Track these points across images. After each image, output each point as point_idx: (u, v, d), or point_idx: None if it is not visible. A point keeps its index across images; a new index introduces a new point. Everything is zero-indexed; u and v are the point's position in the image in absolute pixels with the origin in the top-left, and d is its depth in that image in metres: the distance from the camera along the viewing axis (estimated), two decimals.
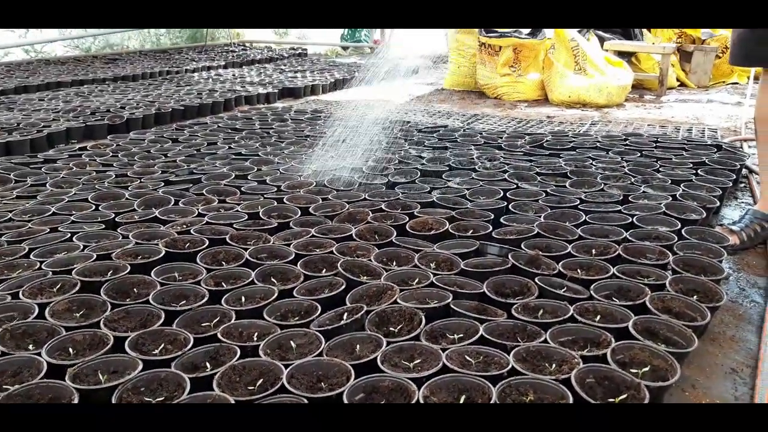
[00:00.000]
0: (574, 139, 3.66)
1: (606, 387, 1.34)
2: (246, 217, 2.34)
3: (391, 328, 1.58)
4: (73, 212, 2.38)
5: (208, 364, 1.43)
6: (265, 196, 2.61)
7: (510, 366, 1.39)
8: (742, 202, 2.92)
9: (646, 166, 3.02)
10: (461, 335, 1.55)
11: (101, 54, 8.29)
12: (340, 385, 1.33)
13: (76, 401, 1.27)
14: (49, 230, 2.19)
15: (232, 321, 1.60)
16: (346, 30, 10.26)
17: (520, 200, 2.51)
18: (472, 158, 3.19)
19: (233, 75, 6.44)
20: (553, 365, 1.41)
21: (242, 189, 2.70)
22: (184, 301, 1.71)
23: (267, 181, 2.79)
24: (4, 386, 1.34)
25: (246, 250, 2.01)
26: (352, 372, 1.36)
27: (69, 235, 2.14)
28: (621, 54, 5.97)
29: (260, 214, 2.37)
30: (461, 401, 1.30)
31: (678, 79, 6.40)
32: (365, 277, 1.85)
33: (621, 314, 1.62)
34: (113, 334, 1.51)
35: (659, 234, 2.15)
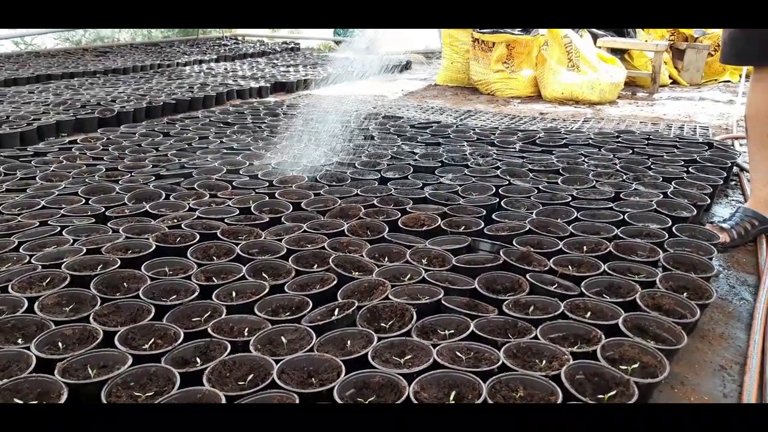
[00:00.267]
0: (566, 135, 3.66)
1: (595, 383, 1.35)
2: (237, 211, 2.33)
3: (382, 324, 1.58)
4: (63, 206, 2.36)
5: (198, 359, 1.42)
6: (256, 190, 2.60)
7: (500, 362, 1.39)
8: (733, 200, 2.93)
9: (637, 164, 3.03)
10: (452, 331, 1.55)
11: (92, 47, 8.23)
12: (331, 380, 1.33)
13: (65, 396, 1.27)
14: (38, 224, 2.17)
15: (223, 316, 1.59)
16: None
17: (512, 197, 2.52)
18: (465, 154, 3.19)
19: (225, 69, 6.41)
20: (544, 361, 1.42)
21: (234, 184, 2.69)
22: (174, 296, 1.70)
23: (259, 176, 2.78)
24: None
25: (237, 245, 2.00)
26: (343, 367, 1.36)
27: (59, 228, 2.12)
28: (614, 51, 5.99)
29: (252, 208, 2.36)
30: (451, 397, 1.30)
31: (670, 77, 6.43)
32: (357, 273, 1.84)
33: (611, 311, 1.63)
34: (103, 329, 1.50)
35: (650, 231, 2.16)
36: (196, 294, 1.70)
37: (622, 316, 1.58)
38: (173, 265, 1.88)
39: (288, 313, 1.64)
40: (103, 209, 2.34)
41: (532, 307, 1.66)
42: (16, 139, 3.44)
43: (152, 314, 1.59)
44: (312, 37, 10.74)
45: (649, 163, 3.05)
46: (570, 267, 1.90)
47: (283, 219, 2.28)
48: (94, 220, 2.25)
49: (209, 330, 1.52)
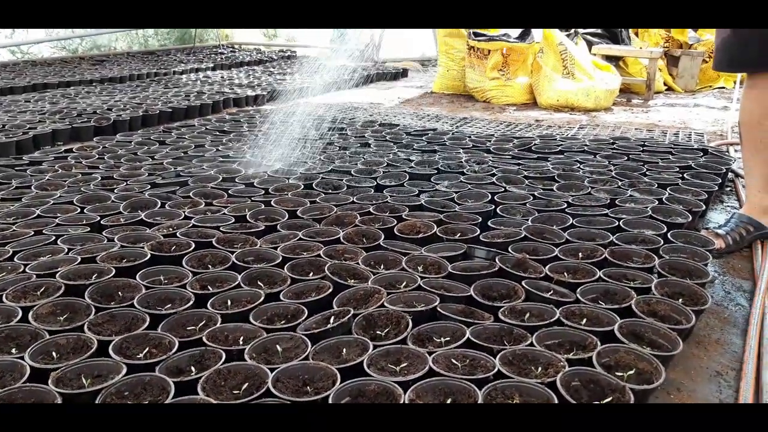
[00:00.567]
0: (562, 142, 3.67)
1: (591, 390, 1.35)
2: (233, 220, 2.33)
3: (378, 332, 1.58)
4: (58, 215, 2.36)
5: (193, 368, 1.42)
6: (252, 198, 2.60)
7: (496, 369, 1.39)
8: (728, 206, 2.94)
9: (632, 170, 3.04)
10: (448, 338, 1.54)
11: (88, 55, 8.23)
12: (326, 388, 1.32)
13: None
14: (33, 233, 2.17)
15: (218, 324, 1.59)
16: (336, 32, 10.24)
17: (508, 203, 2.52)
18: (461, 162, 3.19)
19: (222, 77, 6.42)
20: (539, 368, 1.41)
21: (229, 192, 2.69)
22: (169, 305, 1.70)
23: (255, 184, 2.78)
24: None
25: (233, 253, 2.00)
26: (338, 376, 1.35)
27: (54, 237, 2.12)
28: (609, 58, 6.02)
29: (247, 216, 2.36)
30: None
31: (665, 84, 6.46)
32: (353, 281, 1.84)
33: (607, 317, 1.63)
34: (97, 338, 1.50)
35: (645, 237, 2.17)
36: (191, 302, 1.69)
37: (618, 322, 1.58)
38: (168, 273, 1.88)
39: (283, 322, 1.63)
40: (99, 218, 2.33)
41: (528, 314, 1.66)
42: (11, 147, 3.43)
43: (147, 323, 1.58)
44: (308, 45, 10.76)
45: (644, 169, 3.06)
46: (566, 274, 1.90)
47: (278, 227, 2.27)
48: (89, 229, 2.24)
49: (204, 339, 1.51)
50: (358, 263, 1.95)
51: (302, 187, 2.76)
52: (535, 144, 3.59)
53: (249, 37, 10.78)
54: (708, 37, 6.57)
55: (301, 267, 1.94)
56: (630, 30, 6.64)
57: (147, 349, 1.48)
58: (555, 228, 2.24)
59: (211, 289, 1.79)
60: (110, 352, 1.45)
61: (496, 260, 1.95)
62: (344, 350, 1.49)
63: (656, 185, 2.77)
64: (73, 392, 1.31)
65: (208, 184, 2.77)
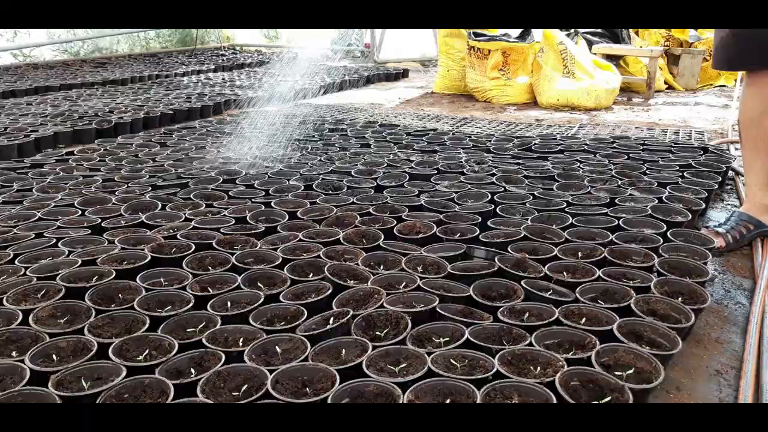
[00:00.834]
0: (562, 142, 3.67)
1: (590, 389, 1.35)
2: (233, 221, 2.33)
3: (377, 333, 1.58)
4: (59, 217, 2.37)
5: (192, 370, 1.42)
6: (252, 200, 2.60)
7: (495, 369, 1.39)
8: (729, 204, 2.94)
9: (632, 169, 3.04)
10: (447, 339, 1.55)
11: (90, 58, 8.25)
12: (326, 390, 1.33)
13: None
14: (34, 236, 2.18)
15: (218, 326, 1.59)
16: (337, 34, 10.25)
17: (508, 203, 2.52)
18: (461, 161, 3.20)
19: (223, 79, 6.43)
20: (538, 368, 1.42)
21: (230, 193, 2.69)
22: (169, 307, 1.70)
23: (255, 185, 2.79)
24: None
25: (233, 254, 2.01)
26: (338, 377, 1.36)
27: (54, 240, 2.12)
28: (609, 57, 6.01)
29: (248, 218, 2.37)
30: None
31: (666, 82, 6.45)
32: (352, 282, 1.85)
33: (606, 317, 1.63)
34: (97, 341, 1.50)
35: (645, 236, 2.16)
36: (191, 304, 1.70)
37: (617, 321, 1.58)
38: (168, 275, 1.88)
39: (283, 323, 1.64)
40: (99, 220, 2.34)
41: (527, 314, 1.66)
42: (13, 150, 3.45)
43: (147, 325, 1.59)
44: (310, 47, 10.76)
45: (644, 168, 3.06)
46: (565, 273, 1.90)
47: (278, 228, 2.28)
48: (89, 232, 2.25)
49: (204, 341, 1.52)
50: (357, 264, 1.95)
51: (303, 188, 2.76)
52: (535, 143, 3.59)
53: (250, 39, 10.79)
54: (708, 35, 6.56)
55: (301, 268, 1.95)
56: (630, 29, 6.63)
57: (147, 351, 1.49)
58: (554, 227, 2.24)
59: (210, 290, 1.80)
60: (110, 354, 1.45)
61: (496, 260, 1.95)
62: (344, 351, 1.49)
63: (656, 184, 2.77)
64: (73, 395, 1.32)
65: (208, 186, 2.77)
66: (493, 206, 2.49)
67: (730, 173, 3.25)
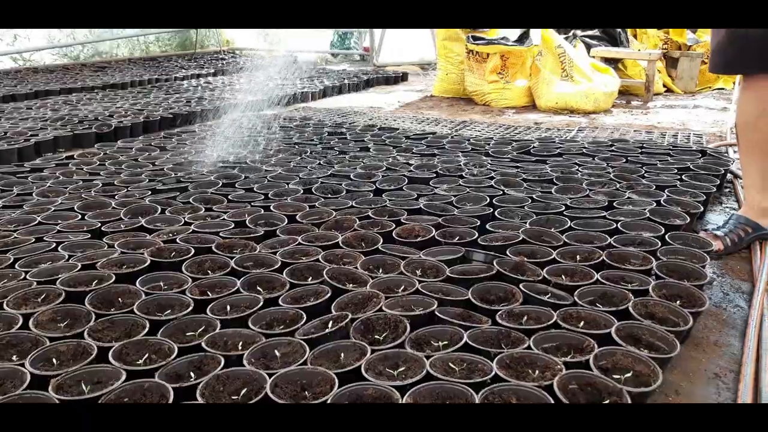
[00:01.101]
0: (560, 145, 3.68)
1: (588, 393, 1.35)
2: (232, 225, 2.34)
3: (376, 336, 1.58)
4: (59, 222, 2.37)
5: (192, 374, 1.42)
6: (252, 203, 2.61)
7: (493, 373, 1.39)
8: (727, 207, 2.94)
9: (631, 172, 3.04)
10: (446, 342, 1.55)
11: (90, 62, 8.26)
12: (324, 393, 1.33)
13: None
14: (34, 240, 2.18)
15: (217, 330, 1.60)
16: (336, 37, 10.27)
17: (506, 206, 2.53)
18: (460, 165, 3.20)
19: (223, 83, 6.44)
20: (537, 372, 1.42)
21: (229, 197, 2.70)
22: (169, 311, 1.71)
23: (254, 189, 2.80)
24: None
25: (232, 258, 2.01)
26: (336, 380, 1.36)
27: (54, 244, 2.13)
28: (607, 60, 6.02)
29: (247, 222, 2.37)
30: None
31: (664, 85, 6.46)
32: (351, 285, 1.85)
33: (604, 320, 1.63)
34: (97, 344, 1.51)
35: (643, 239, 2.17)
36: (191, 308, 1.70)
37: (615, 324, 1.59)
38: (168, 279, 1.89)
39: (282, 327, 1.64)
40: (99, 224, 2.34)
41: (525, 317, 1.66)
42: (13, 155, 3.45)
43: (146, 329, 1.59)
44: (308, 50, 10.78)
45: (643, 171, 3.06)
46: (563, 276, 1.91)
47: (278, 232, 2.28)
48: (89, 236, 2.25)
49: (203, 344, 1.52)
50: (356, 267, 1.96)
51: (302, 191, 2.77)
52: (534, 147, 3.60)
53: (250, 43, 10.80)
54: (707, 38, 6.56)
55: (300, 272, 1.95)
56: (629, 32, 6.64)
57: (147, 355, 1.49)
58: (553, 230, 2.24)
59: (210, 294, 1.80)
60: (110, 358, 1.46)
61: (494, 263, 1.95)
62: (342, 355, 1.50)
63: (654, 187, 2.77)
64: (73, 399, 1.32)
65: (208, 190, 2.78)
66: (491, 209, 2.50)
67: (729, 176, 3.26)
